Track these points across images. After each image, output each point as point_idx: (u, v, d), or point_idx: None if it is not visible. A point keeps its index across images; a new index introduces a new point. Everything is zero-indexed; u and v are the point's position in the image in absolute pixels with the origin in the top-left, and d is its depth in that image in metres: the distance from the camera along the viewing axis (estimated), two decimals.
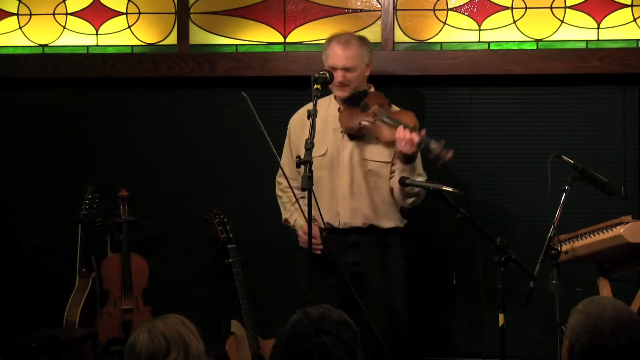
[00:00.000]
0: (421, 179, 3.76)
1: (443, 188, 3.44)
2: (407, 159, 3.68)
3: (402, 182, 3.63)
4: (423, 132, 3.67)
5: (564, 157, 3.72)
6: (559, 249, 3.51)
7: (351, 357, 2.06)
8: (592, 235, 3.68)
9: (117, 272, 4.49)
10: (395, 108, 3.91)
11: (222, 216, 4.29)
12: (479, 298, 3.42)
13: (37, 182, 4.85)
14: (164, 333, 2.23)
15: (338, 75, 3.83)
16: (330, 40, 3.93)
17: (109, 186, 4.59)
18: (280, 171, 4.03)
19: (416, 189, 3.75)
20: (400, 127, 3.64)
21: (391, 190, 3.84)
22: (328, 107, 3.93)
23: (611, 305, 2.21)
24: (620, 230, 3.59)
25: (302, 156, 3.42)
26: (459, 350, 4.57)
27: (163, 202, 4.73)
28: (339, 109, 3.91)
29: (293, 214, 3.96)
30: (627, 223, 3.59)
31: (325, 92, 3.93)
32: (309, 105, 3.91)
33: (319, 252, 3.76)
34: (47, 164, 4.84)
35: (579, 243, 3.70)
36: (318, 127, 3.80)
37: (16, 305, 4.79)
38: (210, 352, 4.04)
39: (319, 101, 3.87)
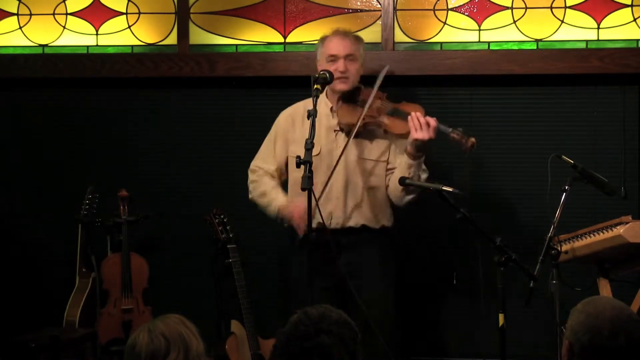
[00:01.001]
0: (426, 175, 3.73)
1: (443, 188, 3.44)
2: (420, 149, 3.62)
3: (402, 182, 3.61)
4: (435, 119, 3.63)
5: (564, 157, 3.72)
6: (559, 249, 3.51)
7: (351, 357, 2.06)
8: (592, 235, 3.68)
9: (117, 272, 4.49)
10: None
11: (222, 216, 4.29)
12: (478, 298, 3.42)
13: (37, 182, 4.84)
14: (164, 333, 2.23)
15: (340, 65, 3.79)
16: (324, 37, 3.91)
17: (109, 186, 4.60)
18: (256, 164, 3.97)
19: (416, 178, 3.70)
20: (413, 114, 3.60)
21: (387, 188, 3.81)
22: (319, 107, 3.83)
23: (610, 305, 2.22)
24: (620, 230, 3.59)
25: (300, 155, 3.40)
26: (459, 350, 4.57)
27: (163, 202, 4.73)
28: (331, 109, 3.88)
29: (272, 191, 3.87)
30: (627, 223, 3.60)
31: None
32: (301, 103, 3.93)
33: (301, 233, 3.69)
34: (47, 163, 4.84)
35: (579, 243, 3.70)
36: (307, 128, 3.80)
37: (16, 305, 4.79)
38: (210, 352, 4.04)
39: (308, 100, 3.87)
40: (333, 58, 3.82)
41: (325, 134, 3.84)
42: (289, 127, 3.91)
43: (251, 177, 4.00)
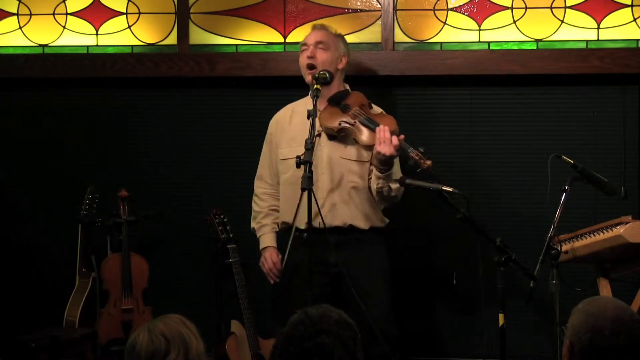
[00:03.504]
0: (397, 185, 3.69)
1: (443, 188, 3.44)
2: (384, 163, 3.60)
3: (402, 182, 3.60)
4: (402, 137, 3.60)
5: (564, 157, 3.72)
6: (559, 249, 3.51)
7: (351, 357, 2.06)
8: (592, 235, 3.68)
9: (117, 272, 4.49)
10: (376, 109, 3.87)
11: (222, 216, 4.29)
12: (478, 298, 3.42)
13: (37, 182, 4.84)
14: (164, 333, 2.23)
15: (307, 51, 3.84)
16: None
17: (109, 186, 4.59)
18: (257, 174, 4.03)
19: (393, 193, 3.70)
20: (380, 127, 3.58)
21: (369, 189, 3.80)
22: (306, 108, 3.80)
23: (611, 305, 2.21)
24: (620, 230, 3.59)
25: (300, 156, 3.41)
26: (459, 351, 4.56)
27: (163, 202, 4.73)
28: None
29: (262, 229, 3.98)
30: (627, 223, 3.60)
31: (304, 93, 3.93)
32: (288, 106, 3.95)
33: (272, 281, 3.89)
34: (47, 164, 4.84)
35: (579, 243, 3.70)
36: (298, 128, 3.80)
37: (16, 305, 4.79)
38: (210, 352, 4.04)
39: (297, 102, 3.89)
40: (305, 47, 3.87)
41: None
42: (277, 131, 3.94)
43: (254, 195, 4.07)
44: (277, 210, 3.96)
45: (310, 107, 3.71)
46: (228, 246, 4.23)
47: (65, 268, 4.69)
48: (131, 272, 4.49)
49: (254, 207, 4.04)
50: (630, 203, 4.39)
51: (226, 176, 4.74)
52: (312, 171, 3.38)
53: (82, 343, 4.38)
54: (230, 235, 4.25)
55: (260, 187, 4.04)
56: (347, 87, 3.96)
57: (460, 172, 4.49)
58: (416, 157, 3.51)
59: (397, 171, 3.74)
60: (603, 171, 3.91)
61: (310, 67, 3.84)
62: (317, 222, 3.65)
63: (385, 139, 3.55)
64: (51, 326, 4.42)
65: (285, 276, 3.89)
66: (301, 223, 3.72)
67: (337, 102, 3.81)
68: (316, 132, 3.69)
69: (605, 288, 3.79)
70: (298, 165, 3.39)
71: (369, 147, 3.67)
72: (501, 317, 3.30)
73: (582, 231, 3.71)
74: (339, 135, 3.77)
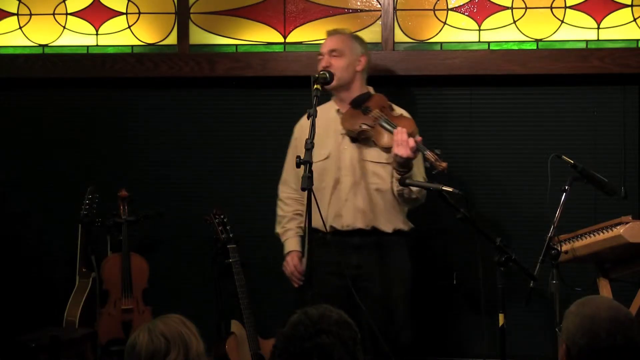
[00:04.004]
0: (417, 189, 3.70)
1: (443, 188, 3.44)
2: (401, 165, 3.60)
3: (402, 182, 3.61)
4: (419, 139, 3.61)
5: (564, 157, 3.72)
6: (559, 249, 3.51)
7: (351, 357, 2.06)
8: (592, 235, 3.68)
9: (117, 272, 4.49)
10: (397, 111, 3.87)
11: (222, 216, 4.29)
12: (479, 298, 3.42)
13: (37, 182, 4.84)
14: (164, 333, 2.23)
15: (323, 61, 3.84)
16: None
17: (109, 186, 4.59)
18: (282, 178, 4.04)
19: (414, 195, 3.71)
20: (398, 129, 3.59)
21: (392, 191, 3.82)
22: (329, 111, 3.90)
23: (605, 305, 2.20)
24: (620, 230, 3.59)
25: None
26: (459, 351, 4.57)
27: (163, 202, 4.73)
28: (337, 111, 3.89)
29: (286, 233, 3.99)
30: (627, 223, 3.59)
31: (326, 97, 3.92)
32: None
33: (296, 285, 3.90)
34: (47, 164, 4.84)
35: (579, 243, 3.70)
36: (320, 131, 3.78)
37: (16, 305, 4.79)
38: (210, 352, 4.04)
39: (321, 107, 3.87)
40: (320, 56, 3.88)
41: (333, 137, 3.85)
42: (301, 136, 3.90)
43: (278, 199, 4.07)
44: (302, 215, 3.95)
45: (333, 112, 3.80)
46: (228, 246, 4.23)
47: (65, 268, 4.69)
48: (131, 272, 4.49)
49: (279, 211, 4.04)
50: (630, 203, 4.39)
51: (226, 176, 4.74)
52: (312, 171, 3.38)
53: (82, 343, 4.38)
54: (230, 235, 4.25)
55: (284, 191, 4.03)
56: (371, 89, 3.95)
57: (460, 172, 4.49)
58: (432, 159, 3.52)
59: (417, 173, 3.74)
60: (603, 171, 3.91)
61: (330, 76, 3.82)
62: (340, 225, 3.74)
63: (402, 141, 3.54)
64: (51, 326, 4.42)
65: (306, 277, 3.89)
66: (323, 225, 3.72)
67: (359, 104, 3.81)
68: (341, 134, 3.78)
69: (605, 288, 3.79)
70: (298, 165, 3.39)
71: (388, 149, 3.67)
72: (501, 317, 3.30)
73: (582, 231, 3.71)
74: (360, 138, 3.78)
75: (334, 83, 3.81)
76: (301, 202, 3.94)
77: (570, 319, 2.20)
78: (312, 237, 3.53)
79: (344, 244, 3.75)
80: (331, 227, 3.75)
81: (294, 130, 4.03)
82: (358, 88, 3.90)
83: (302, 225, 3.95)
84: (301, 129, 3.96)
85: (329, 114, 3.89)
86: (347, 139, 3.82)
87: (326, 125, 3.83)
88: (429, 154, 3.53)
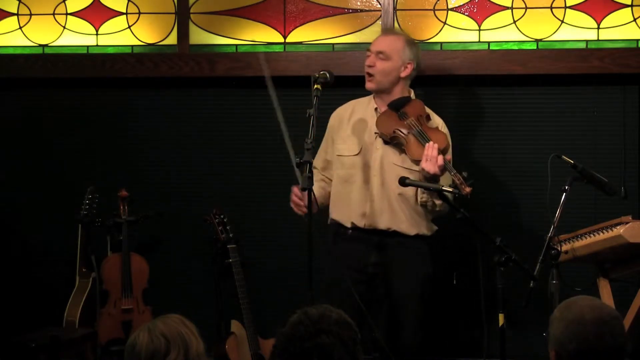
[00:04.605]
0: (440, 202, 3.66)
1: (443, 188, 3.44)
2: (428, 180, 3.58)
3: (402, 182, 3.60)
4: (449, 157, 3.62)
5: (564, 157, 3.72)
6: (559, 249, 3.51)
7: (351, 357, 2.06)
8: (592, 235, 3.68)
9: (117, 272, 4.49)
10: (434, 122, 3.83)
11: (222, 216, 4.29)
12: (479, 298, 3.42)
13: (37, 182, 4.84)
14: (164, 333, 2.23)
15: (368, 59, 3.82)
16: None
17: (109, 186, 4.60)
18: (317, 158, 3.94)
19: (437, 208, 3.70)
20: (430, 143, 3.58)
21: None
22: (367, 108, 3.88)
23: (588, 307, 2.19)
24: (620, 230, 3.59)
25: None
26: (459, 351, 4.57)
27: (163, 202, 4.73)
28: (375, 109, 3.86)
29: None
30: (627, 223, 3.59)
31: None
32: (352, 102, 3.95)
33: (301, 213, 3.68)
34: (48, 164, 4.84)
35: (579, 243, 3.70)
36: (356, 125, 3.82)
37: (16, 305, 4.79)
38: (210, 352, 4.04)
39: (359, 100, 3.90)
40: (368, 52, 3.86)
41: (367, 134, 3.83)
42: (337, 126, 3.91)
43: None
44: (326, 188, 3.90)
45: (371, 109, 3.81)
46: (228, 246, 4.23)
47: (65, 268, 4.69)
48: (131, 272, 4.49)
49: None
50: (630, 203, 4.39)
51: (226, 176, 4.74)
52: (312, 171, 3.38)
53: (82, 343, 4.38)
54: (230, 235, 4.25)
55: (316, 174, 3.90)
56: (412, 93, 3.91)
57: (460, 172, 4.48)
58: (457, 181, 3.49)
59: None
60: (603, 171, 3.91)
61: (369, 75, 3.82)
62: (362, 223, 3.75)
63: (432, 157, 3.54)
64: (51, 326, 4.42)
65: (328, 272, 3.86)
66: (347, 221, 3.77)
67: (397, 108, 3.79)
68: (375, 132, 3.77)
69: (605, 288, 3.79)
70: (298, 166, 3.39)
71: (417, 162, 3.64)
72: (501, 317, 3.30)
73: (582, 231, 3.71)
74: (392, 142, 3.77)
75: (374, 86, 3.80)
76: (327, 182, 3.91)
77: (555, 325, 2.20)
78: (356, 235, 3.59)
79: (365, 240, 3.76)
80: (352, 223, 3.76)
81: (331, 118, 3.98)
82: (399, 92, 3.85)
83: (325, 191, 3.89)
84: (337, 118, 3.94)
85: (366, 110, 3.87)
86: (379, 140, 3.80)
87: (362, 121, 3.83)
88: (455, 175, 3.51)
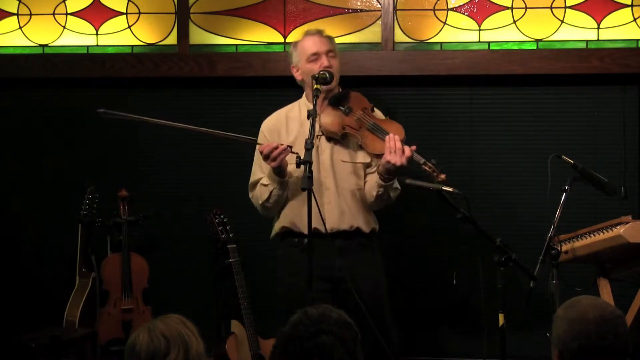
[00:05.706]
0: (396, 193, 3.67)
1: (443, 188, 3.43)
2: (390, 173, 3.54)
3: (402, 182, 3.59)
4: (413, 147, 3.55)
5: (564, 157, 3.72)
6: (559, 249, 3.51)
7: (351, 357, 2.06)
8: (592, 235, 3.68)
9: (117, 272, 4.49)
10: (378, 114, 3.78)
11: (222, 216, 4.29)
12: (479, 298, 3.42)
13: (37, 182, 4.84)
14: (164, 333, 2.23)
15: (324, 60, 3.70)
16: (296, 41, 3.85)
17: (109, 186, 4.60)
18: (251, 181, 3.84)
19: (392, 200, 3.67)
20: (390, 136, 3.52)
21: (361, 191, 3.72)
22: (300, 112, 3.78)
23: (591, 306, 2.20)
24: (620, 230, 3.59)
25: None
26: (459, 350, 4.56)
27: (163, 202, 4.73)
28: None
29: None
30: (627, 223, 3.59)
31: (293, 98, 3.86)
32: (282, 110, 3.85)
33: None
34: (47, 164, 4.84)
35: (579, 243, 3.70)
36: (295, 133, 3.73)
37: (16, 305, 4.79)
38: (210, 352, 4.04)
39: (289, 107, 3.82)
40: (315, 56, 3.73)
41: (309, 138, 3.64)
42: (272, 139, 3.74)
43: (250, 194, 3.89)
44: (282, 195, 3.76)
45: (304, 111, 3.67)
46: (228, 246, 4.23)
47: (65, 268, 4.69)
48: (131, 272, 4.49)
49: (256, 193, 3.80)
50: (630, 203, 4.39)
51: (226, 176, 4.74)
52: (312, 171, 3.34)
53: (82, 343, 4.38)
54: (230, 235, 4.25)
55: (253, 187, 3.84)
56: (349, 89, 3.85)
57: (460, 172, 4.48)
58: (429, 170, 3.47)
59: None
60: (603, 171, 3.91)
61: (330, 76, 3.69)
62: (324, 228, 3.54)
63: (398, 149, 3.49)
64: (51, 326, 4.42)
65: (287, 282, 3.79)
66: (304, 228, 3.54)
67: (338, 103, 3.72)
68: (316, 134, 3.62)
69: (605, 288, 3.79)
70: (298, 166, 3.35)
71: (379, 156, 3.58)
72: (501, 317, 3.30)
73: (582, 231, 3.71)
74: (342, 140, 3.70)
75: (333, 84, 3.72)
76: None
77: (558, 324, 2.21)
78: (315, 242, 3.40)
79: (326, 246, 3.56)
80: (315, 229, 3.49)
81: (260, 133, 3.84)
82: (336, 87, 3.79)
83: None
84: (270, 132, 3.80)
85: (301, 115, 3.76)
86: (323, 139, 3.71)
87: (300, 126, 3.74)
88: (425, 165, 3.47)
